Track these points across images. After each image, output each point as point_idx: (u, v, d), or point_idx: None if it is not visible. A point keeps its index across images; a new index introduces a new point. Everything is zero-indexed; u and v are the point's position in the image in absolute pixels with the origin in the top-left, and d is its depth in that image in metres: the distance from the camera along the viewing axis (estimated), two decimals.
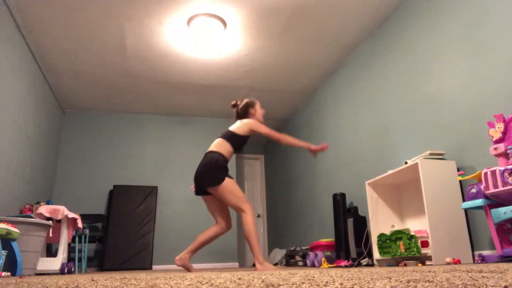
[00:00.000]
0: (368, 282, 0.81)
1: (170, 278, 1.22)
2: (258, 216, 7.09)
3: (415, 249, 2.58)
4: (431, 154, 2.74)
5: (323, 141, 4.94)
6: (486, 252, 2.41)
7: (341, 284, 0.79)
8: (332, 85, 4.82)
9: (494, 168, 2.07)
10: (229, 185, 2.96)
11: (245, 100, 3.35)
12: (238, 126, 3.17)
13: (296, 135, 5.83)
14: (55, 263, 3.26)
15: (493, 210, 2.08)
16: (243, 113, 3.32)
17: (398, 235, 2.75)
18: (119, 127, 5.80)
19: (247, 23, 3.80)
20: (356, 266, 3.11)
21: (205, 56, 4.39)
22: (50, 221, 3.01)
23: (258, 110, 3.35)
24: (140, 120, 5.91)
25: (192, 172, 5.84)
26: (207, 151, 3.12)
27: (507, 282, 0.69)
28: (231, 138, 3.13)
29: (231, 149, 3.12)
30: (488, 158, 2.45)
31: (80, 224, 3.59)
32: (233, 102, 3.38)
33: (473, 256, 2.48)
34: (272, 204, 6.79)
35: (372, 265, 3.16)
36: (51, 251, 4.10)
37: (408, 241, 2.65)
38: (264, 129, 3.15)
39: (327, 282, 0.84)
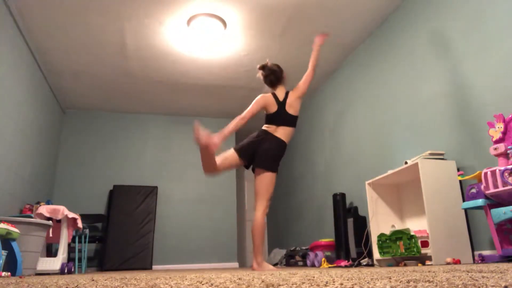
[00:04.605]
0: (368, 282, 0.81)
1: (170, 278, 1.22)
2: None
3: (415, 249, 2.58)
4: (431, 154, 2.74)
5: (323, 141, 4.94)
6: (486, 252, 2.41)
7: (341, 284, 0.79)
8: (332, 85, 4.82)
9: (494, 168, 2.07)
10: (273, 177, 2.96)
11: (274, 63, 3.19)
12: (294, 108, 3.06)
13: (296, 135, 5.83)
14: (55, 263, 3.26)
15: (493, 210, 2.08)
16: (278, 76, 3.13)
17: (398, 235, 2.75)
18: (119, 127, 5.80)
19: (247, 23, 3.80)
20: (356, 266, 3.10)
21: (205, 56, 4.39)
22: (50, 221, 3.01)
23: (285, 77, 3.22)
24: (140, 120, 5.91)
25: (192, 172, 5.83)
26: (278, 136, 2.97)
27: (507, 282, 0.69)
28: (296, 122, 3.08)
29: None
30: (488, 158, 2.45)
31: (80, 224, 3.59)
32: (262, 64, 3.15)
33: (473, 256, 2.48)
34: (272, 204, 6.79)
35: (372, 265, 3.16)
36: (51, 251, 4.10)
37: (408, 241, 2.65)
38: (303, 88, 3.10)
39: (327, 282, 0.84)
